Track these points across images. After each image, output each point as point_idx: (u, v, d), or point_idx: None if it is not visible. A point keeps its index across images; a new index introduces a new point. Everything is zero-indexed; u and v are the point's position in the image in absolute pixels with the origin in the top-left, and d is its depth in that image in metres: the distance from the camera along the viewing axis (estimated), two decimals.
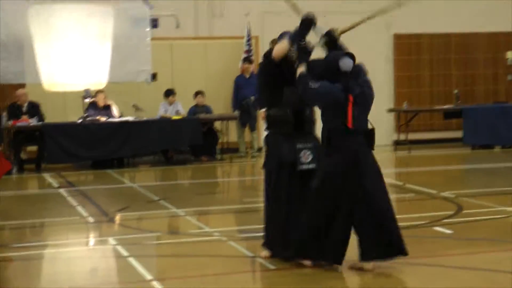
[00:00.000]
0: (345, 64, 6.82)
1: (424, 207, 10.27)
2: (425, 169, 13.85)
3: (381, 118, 17.94)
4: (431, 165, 14.27)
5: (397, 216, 10.34)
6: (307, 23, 7.15)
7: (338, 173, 6.73)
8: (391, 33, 17.98)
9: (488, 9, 18.18)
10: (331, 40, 7.11)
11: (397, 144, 17.63)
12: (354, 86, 6.81)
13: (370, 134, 6.89)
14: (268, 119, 7.26)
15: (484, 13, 18.17)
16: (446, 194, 10.86)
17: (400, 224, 9.35)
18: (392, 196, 11.32)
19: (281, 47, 7.17)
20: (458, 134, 17.07)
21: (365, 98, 6.88)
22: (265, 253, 7.37)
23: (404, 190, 11.60)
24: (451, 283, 6.59)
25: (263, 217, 7.39)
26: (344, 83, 6.77)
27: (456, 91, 17.72)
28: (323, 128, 6.84)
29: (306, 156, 7.09)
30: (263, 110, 11.22)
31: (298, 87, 6.86)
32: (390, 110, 17.48)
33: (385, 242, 6.76)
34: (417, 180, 12.28)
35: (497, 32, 18.40)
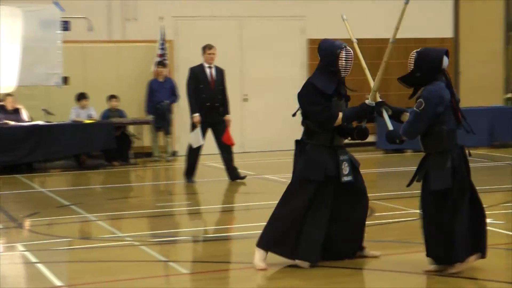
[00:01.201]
0: (445, 62, 6.76)
1: None
2: None
3: (297, 122, 18.04)
4: None
5: None
6: (367, 113, 7.17)
7: (462, 171, 6.68)
8: (306, 38, 18.09)
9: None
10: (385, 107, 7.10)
11: None
12: (450, 84, 6.80)
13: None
14: (308, 129, 7.25)
15: (396, 19, 18.44)
16: None
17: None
18: None
19: (337, 123, 7.11)
20: (371, 138, 17.26)
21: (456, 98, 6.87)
22: (262, 264, 7.06)
23: None
24: (361, 284, 6.64)
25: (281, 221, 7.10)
26: (446, 81, 6.73)
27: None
28: (429, 135, 6.70)
29: (345, 168, 7.11)
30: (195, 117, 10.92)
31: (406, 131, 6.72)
32: None
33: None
34: None
35: (409, 38, 18.72)
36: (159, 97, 16.34)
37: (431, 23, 18.92)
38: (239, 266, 7.21)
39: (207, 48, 13.12)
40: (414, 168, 7.00)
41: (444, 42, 19.21)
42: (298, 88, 14.83)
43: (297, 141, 7.31)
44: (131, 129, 16.36)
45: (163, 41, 16.84)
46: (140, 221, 10.09)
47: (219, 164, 14.26)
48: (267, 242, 7.04)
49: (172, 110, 16.81)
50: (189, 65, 17.48)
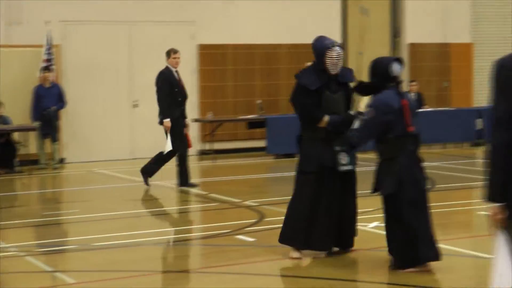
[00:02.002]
0: (396, 69, 6.91)
1: (228, 216, 10.30)
2: (230, 178, 13.94)
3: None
4: (236, 174, 14.39)
5: (201, 226, 10.35)
6: (351, 123, 7.41)
7: (412, 175, 6.78)
8: (196, 43, 18.03)
9: (290, 21, 18.65)
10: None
11: (202, 153, 17.69)
12: (405, 93, 7.00)
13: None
14: (302, 123, 7.59)
15: (286, 26, 18.61)
16: (249, 202, 10.96)
17: (204, 233, 9.36)
18: (197, 206, 11.39)
19: (321, 125, 7.44)
20: (262, 143, 17.35)
21: (413, 105, 7.04)
22: (296, 254, 7.46)
23: (208, 199, 11.60)
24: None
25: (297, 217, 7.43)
26: (396, 89, 6.90)
27: (259, 101, 18.03)
28: (380, 143, 6.90)
29: (344, 158, 7.42)
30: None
31: (358, 137, 7.02)
32: (195, 120, 17.51)
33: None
34: (222, 189, 12.33)
35: (298, 44, 18.90)
36: (45, 103, 15.96)
37: (319, 28, 19.12)
38: (127, 274, 7.08)
39: (172, 52, 12.84)
40: None
41: None
42: (188, 93, 14.84)
43: (296, 137, 7.70)
44: (16, 136, 15.92)
45: (50, 46, 16.45)
46: (26, 231, 9.80)
47: (108, 171, 14.05)
48: (282, 236, 7.52)
49: (59, 117, 16.45)
50: (77, 70, 17.24)
